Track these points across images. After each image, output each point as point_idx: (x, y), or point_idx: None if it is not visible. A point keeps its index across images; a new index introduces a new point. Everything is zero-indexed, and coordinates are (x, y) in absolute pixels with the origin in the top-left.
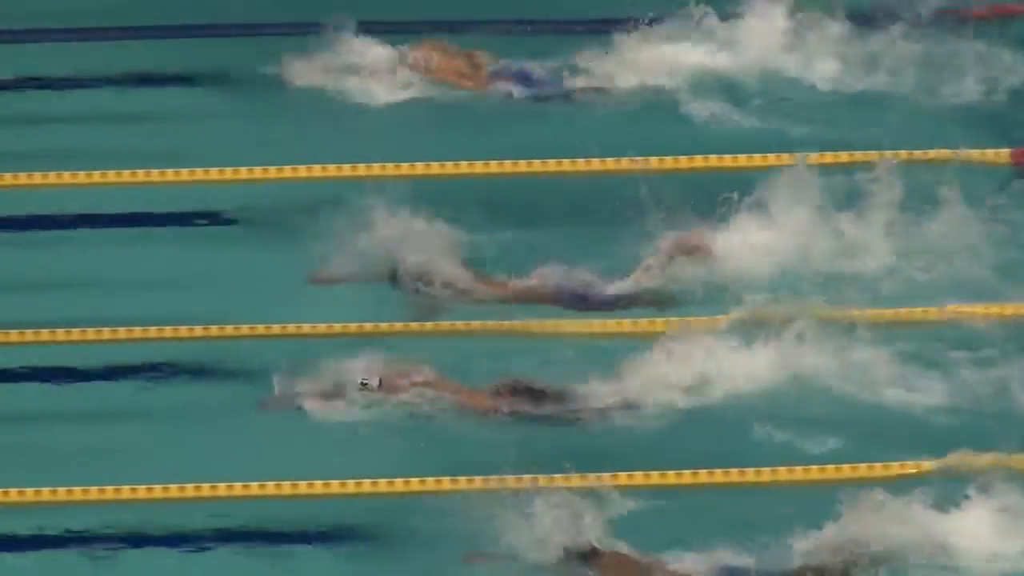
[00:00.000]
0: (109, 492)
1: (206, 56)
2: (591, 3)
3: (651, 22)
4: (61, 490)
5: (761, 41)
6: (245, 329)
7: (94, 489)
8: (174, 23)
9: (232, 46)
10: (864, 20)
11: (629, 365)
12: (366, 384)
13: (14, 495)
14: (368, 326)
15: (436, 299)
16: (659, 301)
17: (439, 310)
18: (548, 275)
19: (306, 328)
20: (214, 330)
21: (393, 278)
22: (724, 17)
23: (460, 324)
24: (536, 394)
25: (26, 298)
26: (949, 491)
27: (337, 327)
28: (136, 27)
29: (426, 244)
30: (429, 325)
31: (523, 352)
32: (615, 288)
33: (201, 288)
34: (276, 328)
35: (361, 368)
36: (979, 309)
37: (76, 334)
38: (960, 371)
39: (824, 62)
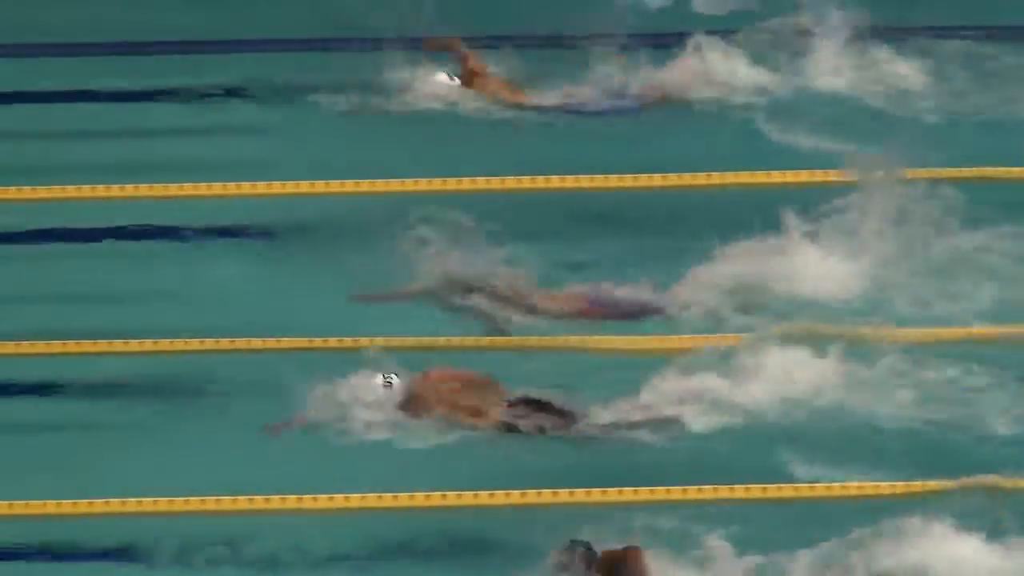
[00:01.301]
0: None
1: (255, 71)
2: (655, 18)
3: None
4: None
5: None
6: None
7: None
8: (226, 38)
9: (281, 61)
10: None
11: (653, 381)
12: (390, 383)
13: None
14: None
15: (497, 315)
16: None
17: (502, 326)
18: (605, 290)
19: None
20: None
21: (456, 295)
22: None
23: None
24: (550, 410)
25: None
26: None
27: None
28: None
29: (483, 260)
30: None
31: (558, 366)
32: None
33: (248, 302)
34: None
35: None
36: None
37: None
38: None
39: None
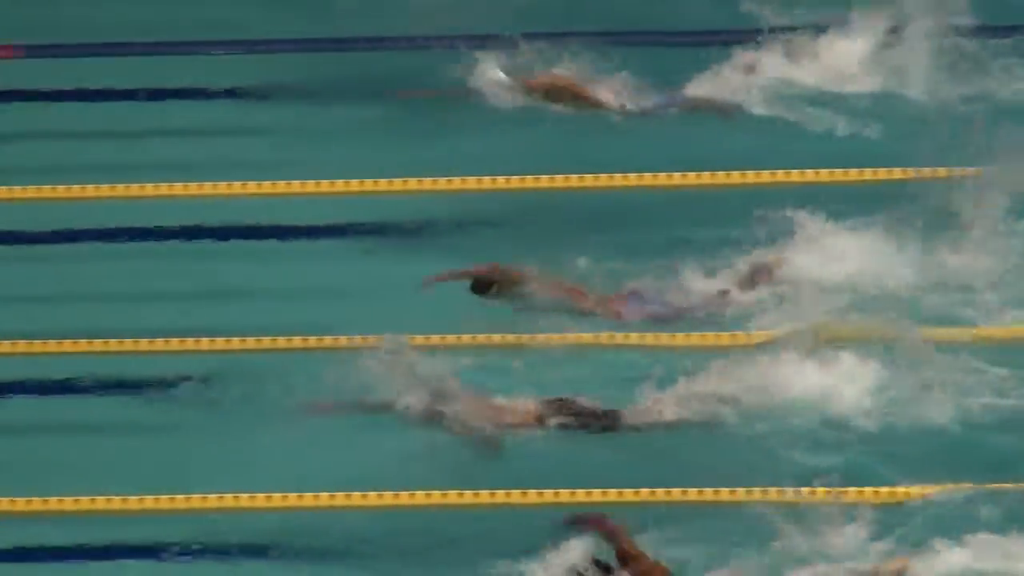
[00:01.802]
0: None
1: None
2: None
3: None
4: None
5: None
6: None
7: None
8: (299, 36)
9: (356, 60)
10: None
11: (685, 380)
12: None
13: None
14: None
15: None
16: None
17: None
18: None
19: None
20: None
21: (485, 291)
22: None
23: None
24: (586, 413)
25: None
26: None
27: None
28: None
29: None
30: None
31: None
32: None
33: (318, 299)
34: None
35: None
36: None
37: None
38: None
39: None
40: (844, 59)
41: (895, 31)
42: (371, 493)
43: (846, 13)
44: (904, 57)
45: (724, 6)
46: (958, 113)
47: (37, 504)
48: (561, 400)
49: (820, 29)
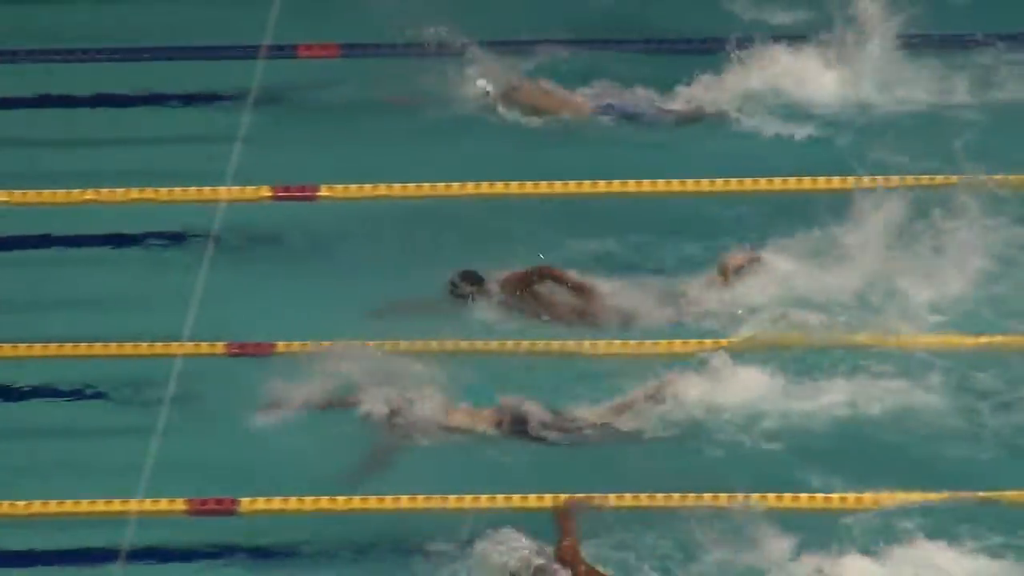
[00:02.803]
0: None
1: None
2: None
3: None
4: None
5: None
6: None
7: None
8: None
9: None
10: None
11: (636, 387)
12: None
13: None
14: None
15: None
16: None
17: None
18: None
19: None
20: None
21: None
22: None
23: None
24: (538, 421)
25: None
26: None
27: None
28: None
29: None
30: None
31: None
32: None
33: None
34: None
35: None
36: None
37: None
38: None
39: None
40: (818, 69)
41: (863, 41)
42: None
43: (820, 23)
44: (873, 66)
45: (705, 15)
46: (928, 120)
47: None
48: (515, 407)
49: (796, 39)
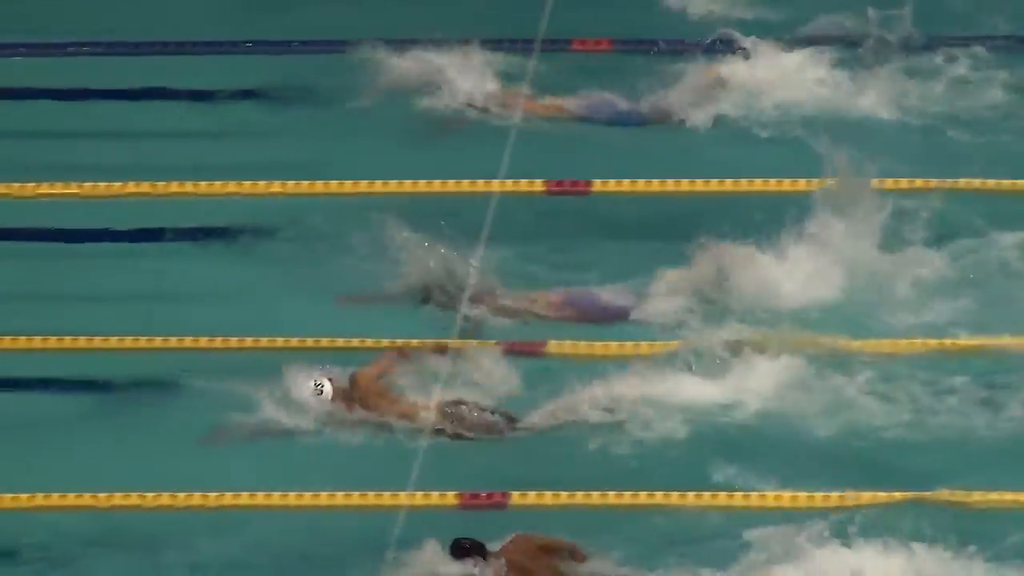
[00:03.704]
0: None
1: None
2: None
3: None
4: None
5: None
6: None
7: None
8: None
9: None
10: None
11: (583, 386)
12: (320, 389)
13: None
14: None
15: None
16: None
17: (477, 328)
18: (577, 294)
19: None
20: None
21: (427, 298)
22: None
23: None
24: (480, 418)
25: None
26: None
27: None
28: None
29: (456, 263)
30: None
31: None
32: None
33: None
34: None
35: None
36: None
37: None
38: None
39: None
40: (796, 73)
41: (850, 46)
42: (274, 494)
43: (801, 27)
44: (857, 72)
45: (681, 18)
46: (911, 126)
47: None
48: (457, 403)
49: (776, 43)
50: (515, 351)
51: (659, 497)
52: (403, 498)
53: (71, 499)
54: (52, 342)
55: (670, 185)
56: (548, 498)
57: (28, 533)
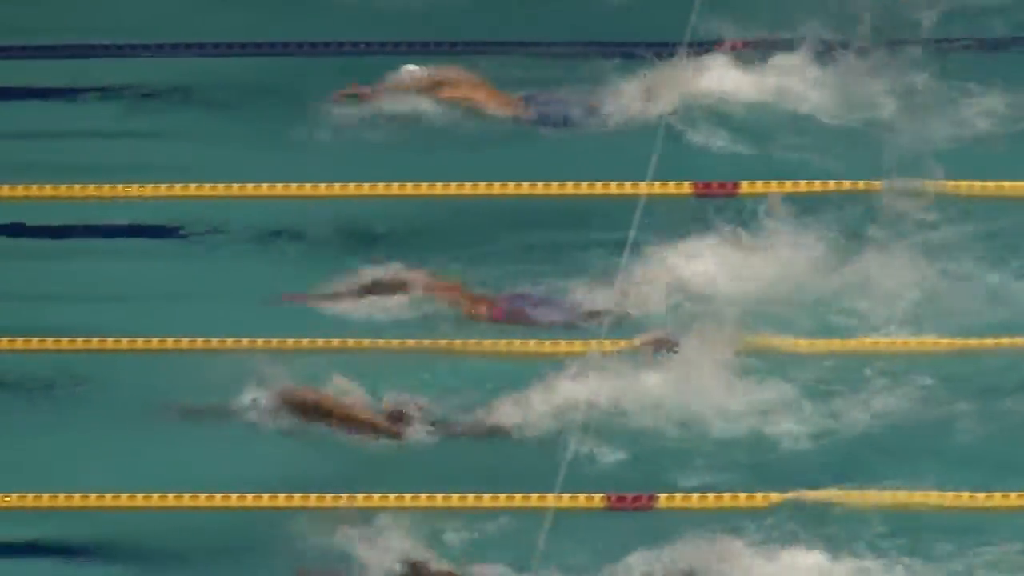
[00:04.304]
0: None
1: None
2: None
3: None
4: None
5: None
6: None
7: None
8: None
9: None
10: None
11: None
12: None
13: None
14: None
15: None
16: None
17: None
18: (523, 296)
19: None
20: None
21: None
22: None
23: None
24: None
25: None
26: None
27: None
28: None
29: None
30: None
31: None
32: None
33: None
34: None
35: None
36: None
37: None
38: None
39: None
40: (767, 75)
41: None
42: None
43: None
44: (827, 75)
45: (647, 18)
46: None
47: None
48: (398, 406)
49: (747, 44)
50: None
51: None
52: (551, 500)
53: None
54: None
55: None
56: (695, 500)
57: None
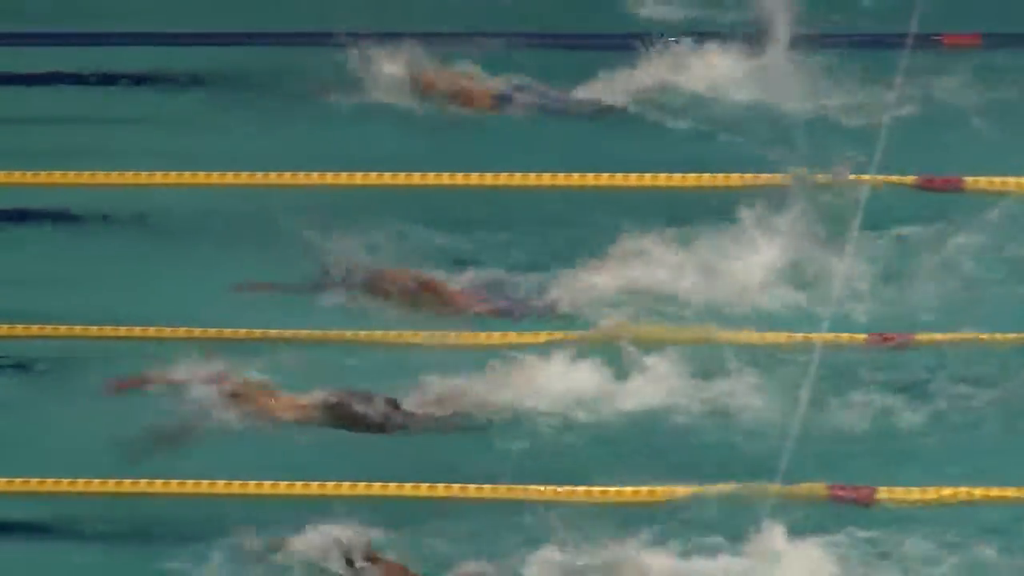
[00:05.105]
0: None
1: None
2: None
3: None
4: None
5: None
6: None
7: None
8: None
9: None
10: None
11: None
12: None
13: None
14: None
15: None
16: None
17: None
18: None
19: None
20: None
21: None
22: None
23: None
24: (361, 412)
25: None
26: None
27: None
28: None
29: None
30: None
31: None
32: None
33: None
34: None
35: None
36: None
37: None
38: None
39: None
40: (722, 68)
41: (768, 42)
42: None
43: (726, 23)
44: (776, 68)
45: (611, 12)
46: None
47: None
48: (339, 396)
49: (701, 37)
50: None
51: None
52: (772, 489)
53: None
54: None
55: None
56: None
57: None
